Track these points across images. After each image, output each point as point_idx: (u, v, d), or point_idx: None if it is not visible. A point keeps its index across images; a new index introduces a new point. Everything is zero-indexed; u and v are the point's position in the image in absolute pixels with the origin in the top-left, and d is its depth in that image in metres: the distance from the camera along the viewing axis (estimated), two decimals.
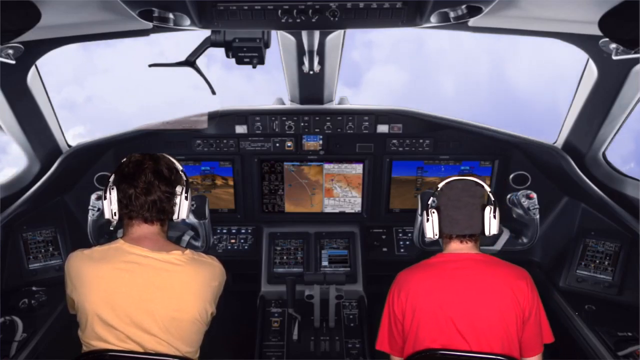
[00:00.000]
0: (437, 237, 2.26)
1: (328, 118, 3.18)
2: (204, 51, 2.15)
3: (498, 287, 2.04)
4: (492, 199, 2.23)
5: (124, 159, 2.10)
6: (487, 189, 2.25)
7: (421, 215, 2.71)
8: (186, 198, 2.13)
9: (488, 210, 2.18)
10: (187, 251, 2.05)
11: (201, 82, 2.24)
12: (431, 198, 2.32)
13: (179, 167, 2.19)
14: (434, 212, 2.24)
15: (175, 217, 2.12)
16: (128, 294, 1.89)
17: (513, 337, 2.01)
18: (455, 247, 2.21)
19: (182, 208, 2.12)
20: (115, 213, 2.05)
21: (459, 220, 2.18)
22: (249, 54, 2.03)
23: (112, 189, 2.04)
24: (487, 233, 2.20)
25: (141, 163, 2.04)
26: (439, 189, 2.28)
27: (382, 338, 2.27)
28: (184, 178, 2.18)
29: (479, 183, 2.24)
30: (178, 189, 2.11)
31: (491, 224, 2.18)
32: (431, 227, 2.24)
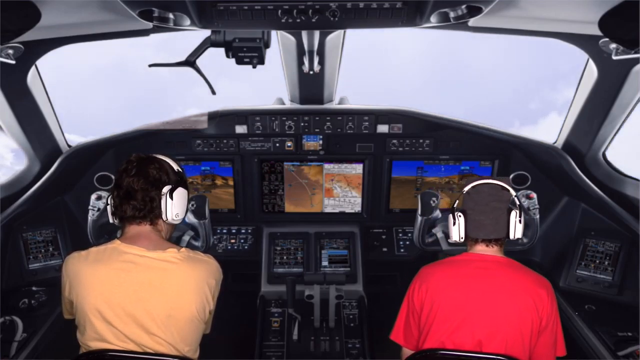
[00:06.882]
0: (462, 240, 2.27)
1: (328, 118, 3.18)
2: (204, 51, 2.14)
3: (518, 292, 2.03)
4: (518, 202, 2.22)
5: (124, 162, 2.12)
6: (513, 192, 2.24)
7: (421, 215, 2.72)
8: (172, 198, 2.08)
9: (514, 214, 2.18)
10: (183, 249, 2.05)
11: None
12: (456, 201, 2.33)
13: (175, 167, 2.18)
14: (460, 216, 2.24)
15: (163, 217, 2.10)
16: (125, 294, 1.89)
17: (525, 343, 2.01)
18: (481, 249, 2.22)
19: (169, 209, 2.08)
20: (114, 215, 2.12)
21: (486, 225, 2.18)
22: (249, 54, 2.03)
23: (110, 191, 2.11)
24: (512, 237, 2.19)
25: (131, 165, 2.08)
26: (464, 192, 2.29)
27: (397, 329, 2.28)
28: (177, 178, 2.16)
29: (504, 187, 2.23)
30: (165, 189, 2.08)
31: (516, 228, 2.18)
32: (457, 231, 2.25)
